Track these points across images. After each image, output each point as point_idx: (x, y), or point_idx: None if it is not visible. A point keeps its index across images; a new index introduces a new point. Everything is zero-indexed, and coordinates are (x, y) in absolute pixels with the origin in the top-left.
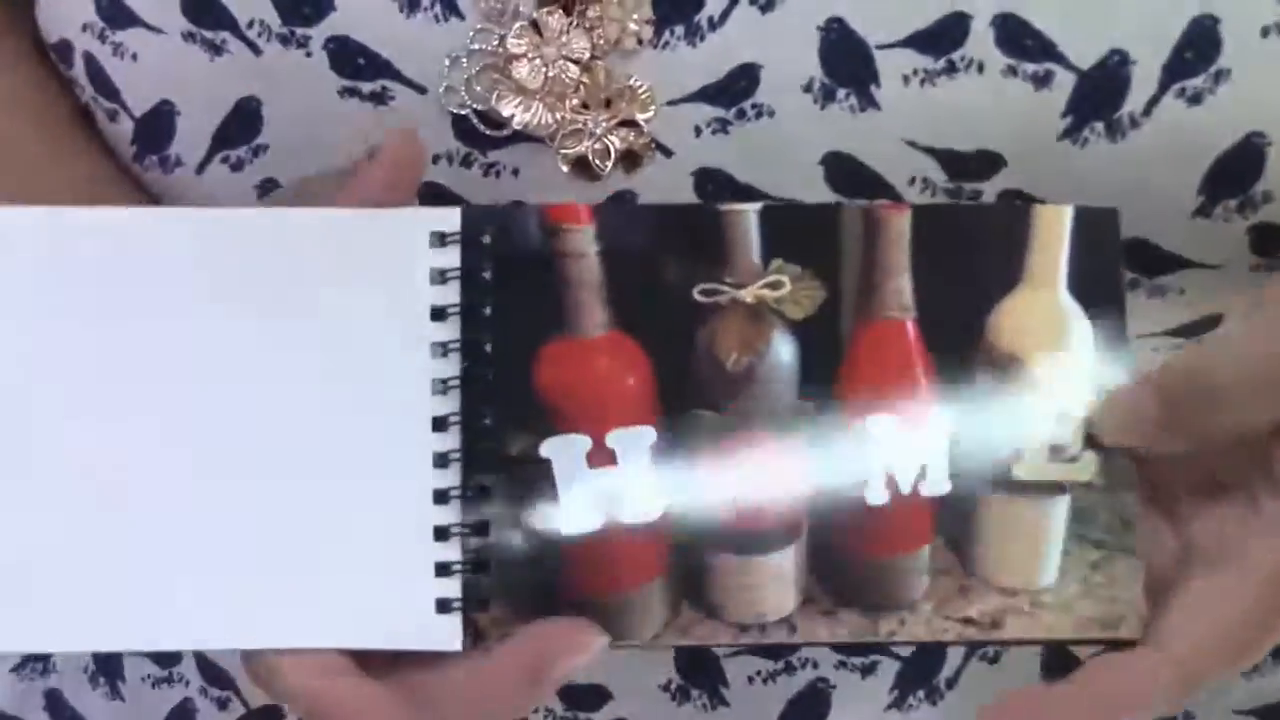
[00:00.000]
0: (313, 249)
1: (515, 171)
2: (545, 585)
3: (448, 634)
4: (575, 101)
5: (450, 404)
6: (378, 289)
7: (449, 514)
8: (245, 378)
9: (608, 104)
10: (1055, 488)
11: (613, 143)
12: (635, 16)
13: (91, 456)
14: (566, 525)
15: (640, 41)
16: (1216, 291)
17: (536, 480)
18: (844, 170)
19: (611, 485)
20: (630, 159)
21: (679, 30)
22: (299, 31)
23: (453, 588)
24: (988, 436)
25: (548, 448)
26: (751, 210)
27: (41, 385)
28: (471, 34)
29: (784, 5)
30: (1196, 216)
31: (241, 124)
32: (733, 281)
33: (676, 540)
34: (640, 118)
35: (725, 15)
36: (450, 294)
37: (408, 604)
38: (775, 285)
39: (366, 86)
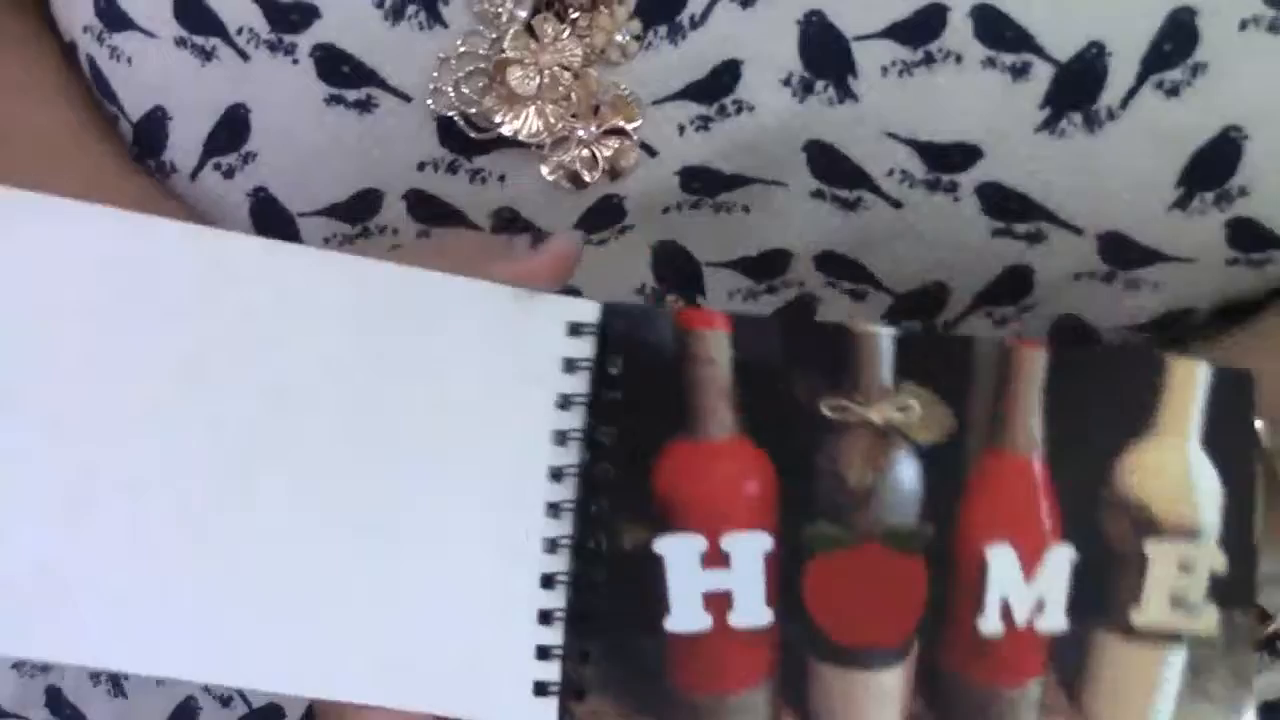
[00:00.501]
0: (452, 316)
1: (501, 178)
2: (646, 680)
3: (541, 717)
4: (564, 109)
5: (566, 491)
6: (508, 367)
7: (555, 599)
8: (367, 432)
9: (596, 111)
10: (1173, 638)
11: (600, 151)
12: (624, 28)
13: (212, 494)
14: (674, 623)
15: (625, 55)
16: (1191, 285)
17: (647, 576)
18: (825, 160)
19: (723, 587)
20: (616, 169)
21: (662, 30)
22: (286, 39)
23: (552, 672)
24: (1108, 578)
25: (662, 545)
26: (886, 334)
27: (174, 417)
28: (462, 37)
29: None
30: (1173, 210)
31: (231, 131)
32: (862, 400)
33: (783, 648)
34: (628, 127)
35: (707, 13)
36: (579, 384)
37: (506, 682)
38: (904, 408)
39: (352, 95)
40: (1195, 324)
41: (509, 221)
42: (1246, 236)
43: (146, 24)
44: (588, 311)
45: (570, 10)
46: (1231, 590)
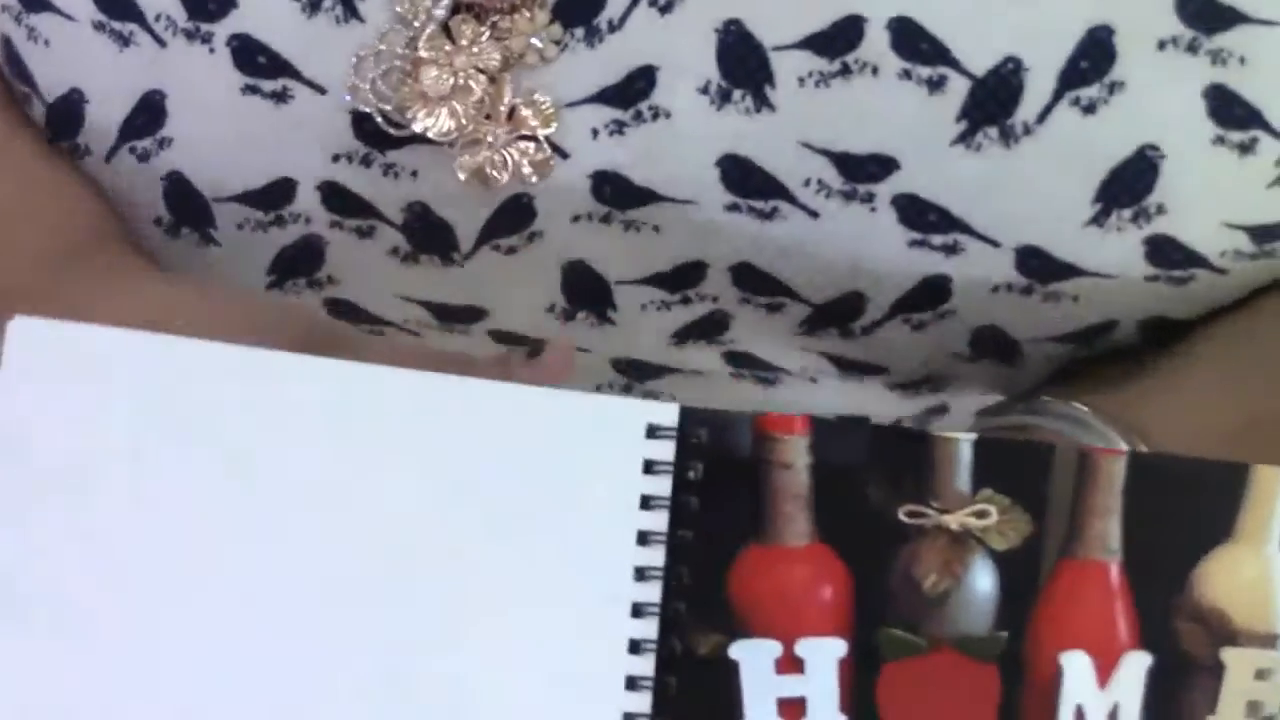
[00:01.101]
0: (528, 425)
1: (414, 173)
2: None
3: None
4: (477, 112)
5: (650, 592)
6: (589, 472)
7: (639, 702)
8: (446, 546)
9: (511, 115)
10: None
11: (511, 155)
12: (543, 33)
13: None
14: None
15: (543, 59)
16: (1112, 300)
17: (722, 682)
18: (740, 172)
19: (797, 694)
20: (526, 171)
21: (579, 33)
22: (203, 28)
23: None
24: (1183, 687)
25: (737, 650)
26: (965, 440)
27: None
28: (380, 34)
29: (683, 6)
30: (1090, 226)
31: (147, 116)
32: (939, 506)
33: None
34: (541, 133)
35: (625, 17)
36: (660, 485)
37: None
38: (981, 514)
39: (268, 85)
40: (1122, 339)
41: (420, 217)
42: (1166, 253)
43: (65, 7)
44: (667, 414)
45: (489, 14)
46: None
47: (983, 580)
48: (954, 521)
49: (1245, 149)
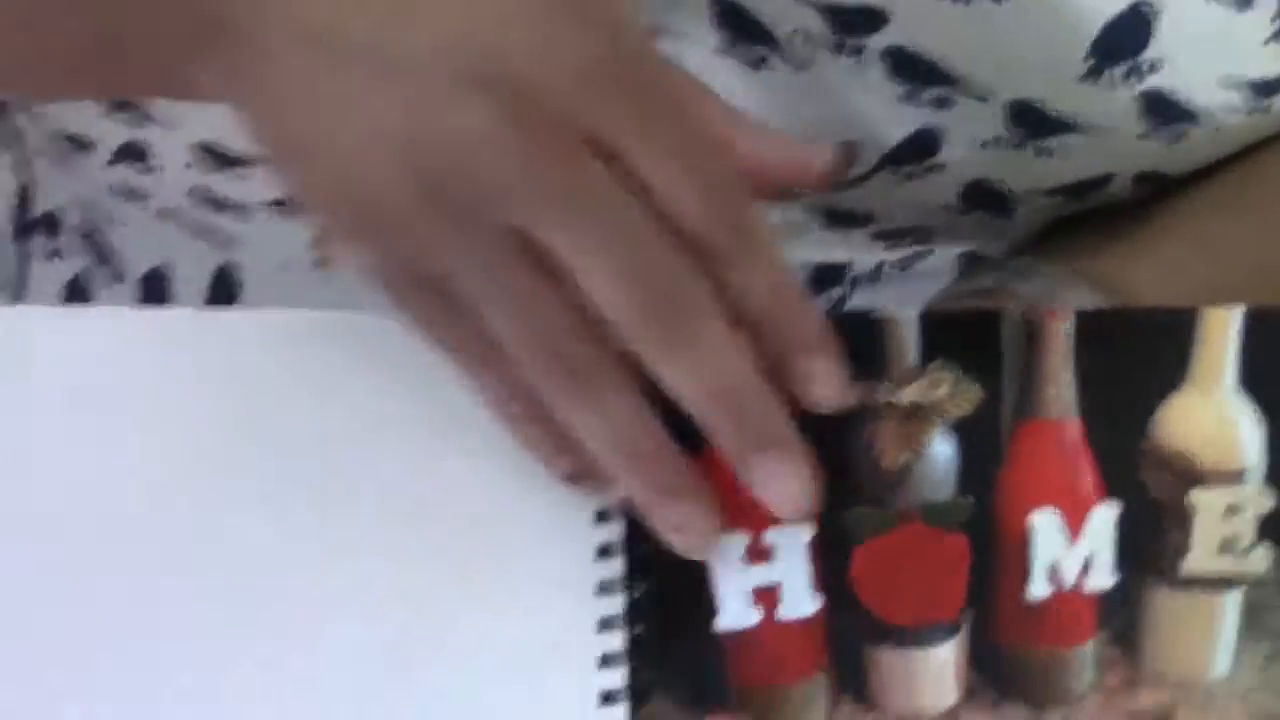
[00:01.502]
0: None
1: None
2: (705, 678)
3: None
4: None
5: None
6: None
7: (612, 605)
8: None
9: None
10: (1226, 582)
11: None
12: None
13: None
14: (724, 621)
15: None
16: (1104, 155)
17: (695, 575)
18: (731, 15)
19: (770, 581)
20: None
21: None
22: None
23: (616, 679)
24: (1155, 532)
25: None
26: (911, 315)
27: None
28: None
29: None
30: (1084, 81)
31: None
32: (891, 384)
33: (836, 635)
34: None
35: None
36: None
37: (573, 692)
38: (934, 385)
39: None
40: (1116, 193)
41: None
42: (1161, 109)
43: None
44: None
45: None
46: None
47: (943, 450)
48: (907, 397)
49: (1242, 3)
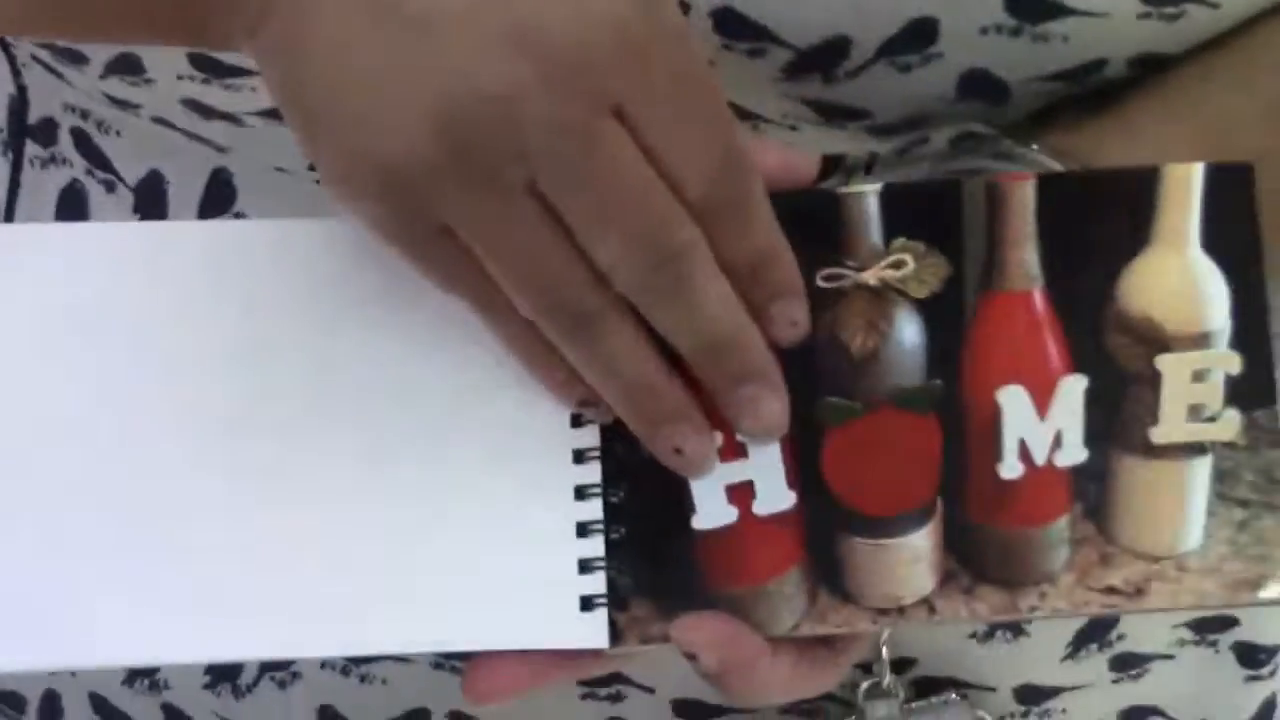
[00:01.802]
0: None
1: None
2: (684, 581)
3: (594, 631)
4: None
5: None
6: None
7: (590, 510)
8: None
9: None
10: (1196, 449)
11: None
12: None
13: (275, 464)
14: (701, 520)
15: None
16: (1102, 39)
17: (670, 477)
18: None
19: (744, 478)
20: None
21: None
22: None
23: (597, 584)
24: (1123, 401)
25: None
26: (870, 191)
27: (205, 395)
28: None
29: None
30: None
31: None
32: (855, 265)
33: (811, 528)
34: None
35: None
36: None
37: (553, 600)
38: (898, 265)
39: None
40: (1112, 75)
41: None
42: None
43: None
44: None
45: None
46: (1251, 390)
47: (909, 332)
48: (871, 277)
49: None
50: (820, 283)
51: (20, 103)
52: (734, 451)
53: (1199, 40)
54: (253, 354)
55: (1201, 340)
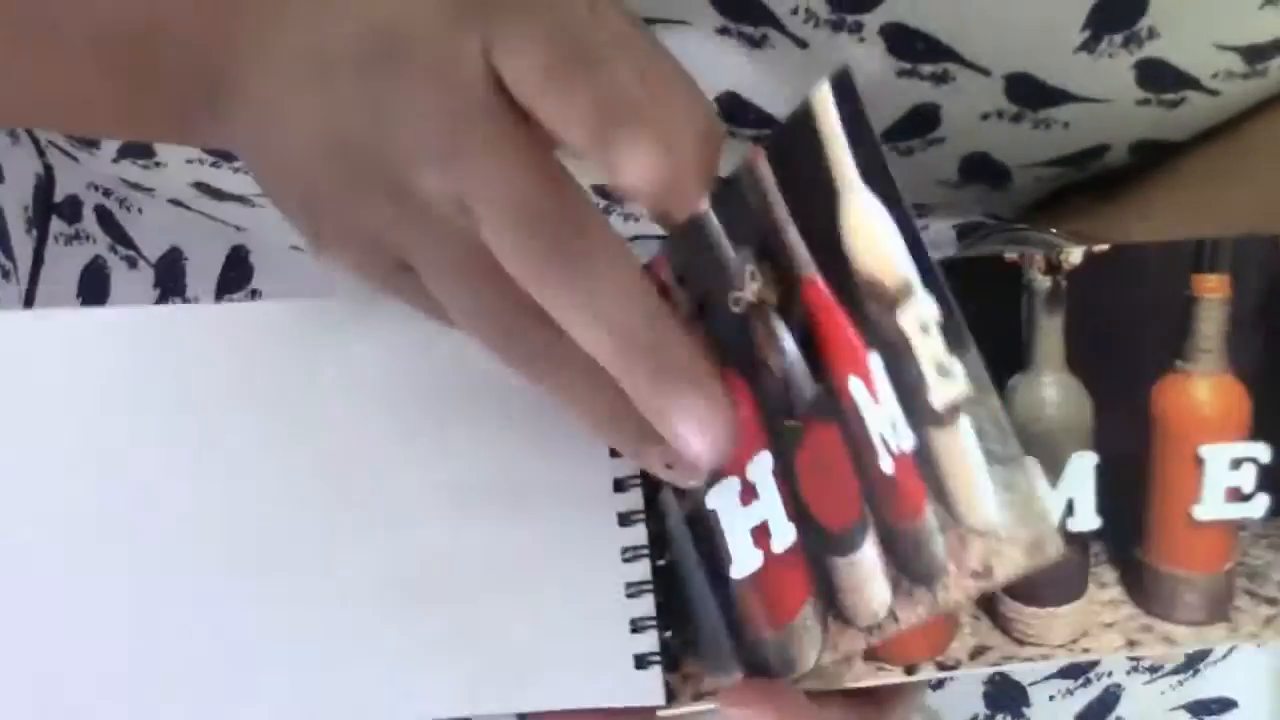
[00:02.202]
0: None
1: None
2: (725, 635)
3: (649, 689)
4: None
5: (632, 468)
6: None
7: (638, 571)
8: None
9: None
10: (956, 409)
11: None
12: None
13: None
14: (738, 570)
15: None
16: (1103, 125)
17: (707, 532)
18: (730, 2)
19: (761, 519)
20: None
21: None
22: None
23: (649, 643)
24: (911, 377)
25: (712, 497)
26: (706, 208)
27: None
28: None
29: None
30: (1080, 51)
31: None
32: (739, 283)
33: (810, 558)
34: None
35: None
36: None
37: (609, 662)
38: (754, 276)
39: None
40: (1114, 162)
41: None
42: (1158, 77)
43: None
44: None
45: None
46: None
47: (787, 341)
48: (750, 294)
49: None
50: (733, 308)
51: (47, 181)
52: (750, 493)
53: (1200, 127)
54: (276, 438)
55: (905, 290)
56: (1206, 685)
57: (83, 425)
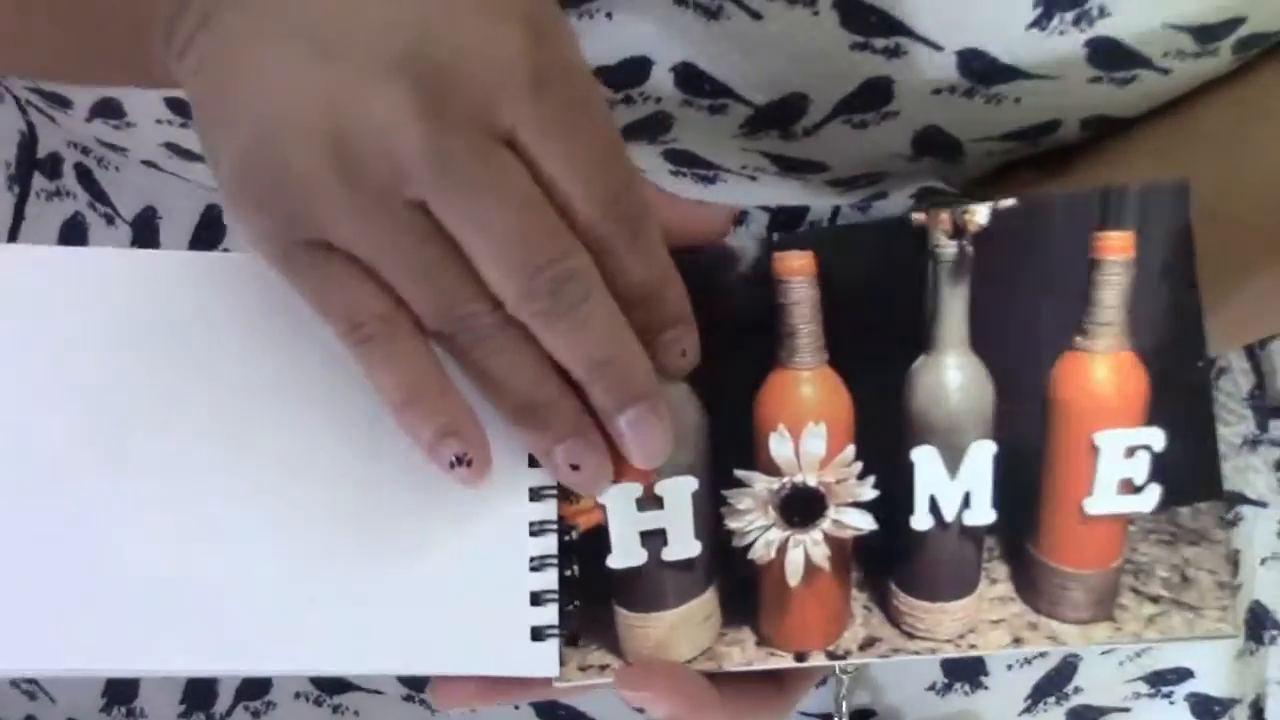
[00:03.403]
0: None
1: None
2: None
3: (544, 661)
4: None
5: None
6: None
7: (544, 546)
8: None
9: None
10: None
11: None
12: None
13: (248, 494)
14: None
15: None
16: (1054, 101)
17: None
18: None
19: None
20: None
21: None
22: None
23: (549, 616)
24: None
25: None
26: None
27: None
28: None
29: None
30: (1032, 29)
31: None
32: None
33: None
34: None
35: None
36: None
37: (506, 632)
38: None
39: None
40: (1065, 136)
41: None
42: (1108, 55)
43: None
44: None
45: None
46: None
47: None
48: None
49: None
50: None
51: (30, 139)
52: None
53: (1152, 105)
54: (227, 375)
55: None
56: (1164, 656)
57: (78, 353)
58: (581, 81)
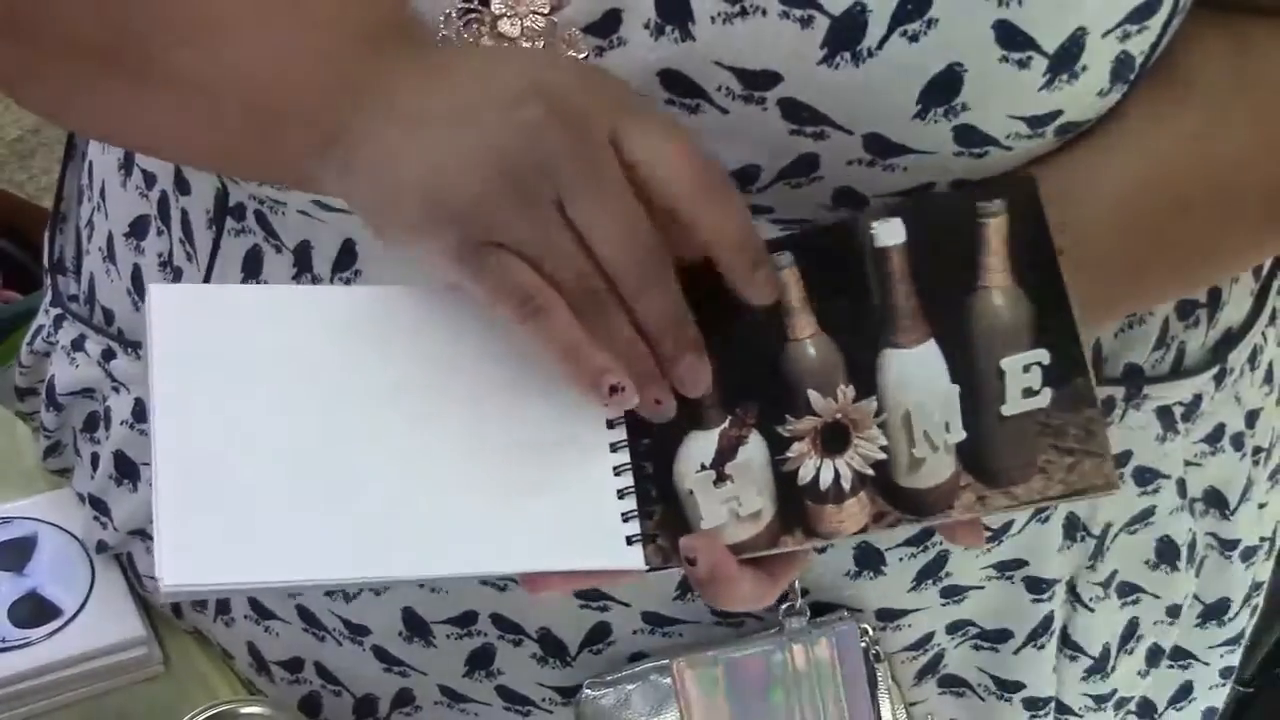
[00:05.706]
0: None
1: None
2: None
3: (635, 559)
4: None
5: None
6: None
7: (626, 481)
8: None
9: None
10: None
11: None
12: None
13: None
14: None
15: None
16: (931, 169)
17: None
18: (672, 80)
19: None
20: None
21: None
22: None
23: (636, 528)
24: None
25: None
26: None
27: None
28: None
29: None
30: (915, 119)
31: None
32: None
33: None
34: (570, 53)
35: None
36: None
37: (603, 535)
38: None
39: None
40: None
41: None
42: (969, 138)
43: None
44: None
45: None
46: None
47: None
48: None
49: (1022, 65)
50: None
51: (224, 193)
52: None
53: (1000, 172)
54: (419, 373)
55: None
56: (1005, 550)
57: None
58: (654, 122)
